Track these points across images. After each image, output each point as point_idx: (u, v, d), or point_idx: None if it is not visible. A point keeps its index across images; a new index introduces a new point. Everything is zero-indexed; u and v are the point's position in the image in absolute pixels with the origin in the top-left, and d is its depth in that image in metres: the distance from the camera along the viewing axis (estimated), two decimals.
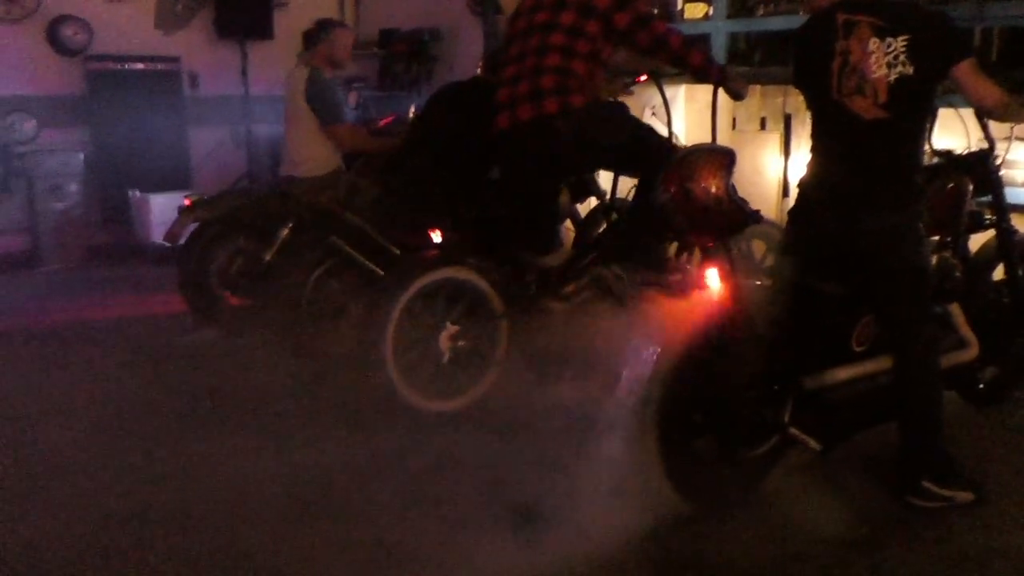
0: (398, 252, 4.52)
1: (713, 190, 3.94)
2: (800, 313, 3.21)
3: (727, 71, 4.18)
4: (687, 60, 4.06)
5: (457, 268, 4.10)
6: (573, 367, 4.10)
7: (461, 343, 4.11)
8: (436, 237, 4.26)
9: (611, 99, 4.41)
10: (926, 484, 3.18)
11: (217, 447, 3.65)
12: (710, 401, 3.15)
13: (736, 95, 4.21)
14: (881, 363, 3.37)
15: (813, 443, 3.22)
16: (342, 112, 5.50)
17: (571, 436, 3.42)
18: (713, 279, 3.14)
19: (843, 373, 3.35)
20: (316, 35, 5.67)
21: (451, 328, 4.09)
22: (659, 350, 3.09)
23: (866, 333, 3.40)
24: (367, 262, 4.55)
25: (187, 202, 5.16)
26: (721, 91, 4.21)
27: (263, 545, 2.95)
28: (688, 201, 3.96)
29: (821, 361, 3.33)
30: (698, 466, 3.15)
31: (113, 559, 2.89)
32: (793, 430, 3.23)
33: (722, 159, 4.07)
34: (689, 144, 4.72)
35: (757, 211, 4.13)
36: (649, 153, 4.06)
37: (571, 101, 3.94)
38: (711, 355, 3.07)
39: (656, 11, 4.77)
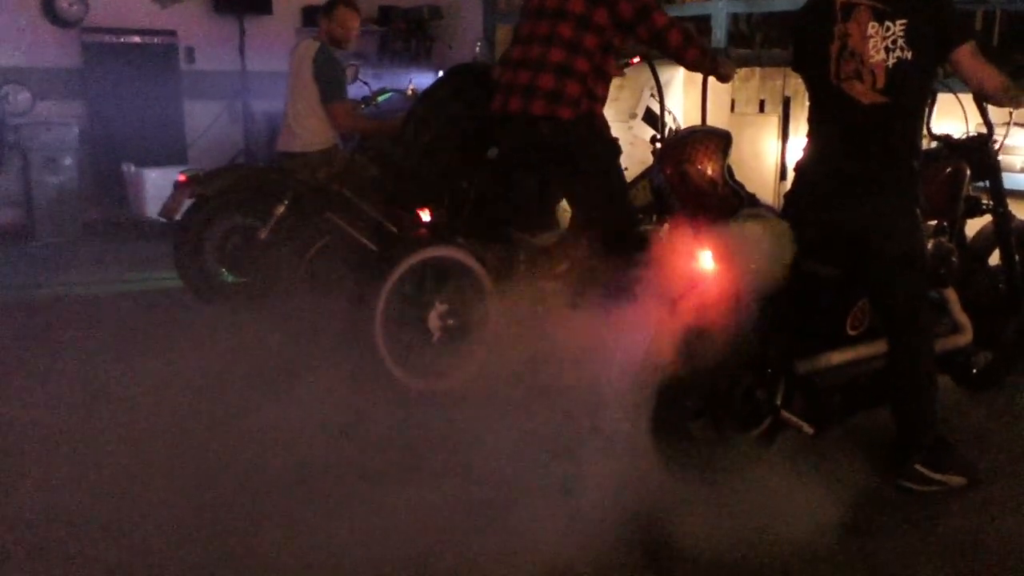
0: (394, 230, 4.50)
1: (708, 172, 3.94)
2: (795, 296, 3.20)
3: (717, 59, 4.14)
4: (684, 56, 4.03)
5: (447, 247, 4.09)
6: (564, 347, 4.11)
7: (451, 321, 4.10)
8: (426, 216, 4.24)
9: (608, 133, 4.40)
10: (919, 468, 3.18)
11: (210, 427, 3.63)
12: (704, 384, 3.14)
13: (724, 78, 4.19)
14: (875, 347, 3.36)
15: (806, 427, 3.21)
16: (343, 91, 5.45)
17: (560, 417, 3.41)
18: (707, 261, 3.13)
19: (836, 357, 3.34)
20: (323, 11, 5.64)
21: (440, 307, 4.08)
22: (652, 333, 3.08)
23: (860, 317, 3.40)
24: (363, 239, 4.53)
25: (182, 178, 5.13)
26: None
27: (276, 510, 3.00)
28: (684, 183, 3.96)
29: (815, 345, 3.32)
30: (692, 447, 3.14)
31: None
32: (785, 413, 3.23)
33: (718, 141, 4.06)
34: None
35: (752, 195, 4.13)
36: (608, 207, 4.05)
37: (559, 112, 3.91)
38: (705, 338, 3.06)
39: None
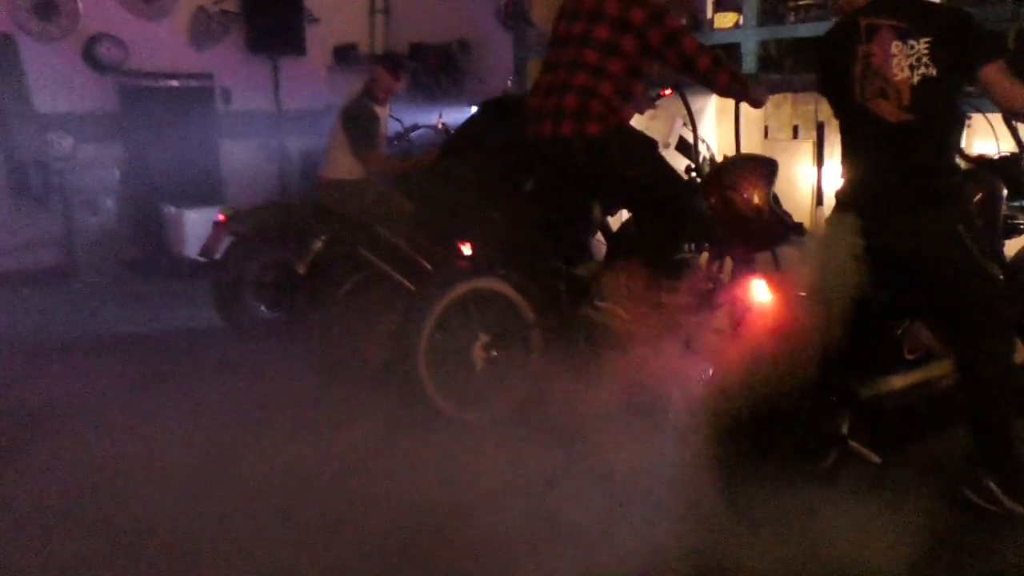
0: (429, 266, 4.51)
1: (754, 200, 3.88)
2: (850, 322, 3.12)
3: (748, 84, 4.13)
4: (715, 81, 4.03)
5: (487, 279, 4.10)
6: (609, 377, 4.09)
7: (494, 352, 4.10)
8: (466, 249, 4.26)
9: (640, 133, 4.40)
10: (990, 484, 3.08)
11: (250, 461, 3.65)
12: (770, 416, 3.05)
13: (756, 103, 4.17)
14: (936, 370, 3.26)
15: (873, 456, 3.12)
16: (373, 141, 5.55)
17: (609, 446, 3.39)
18: (761, 291, 3.07)
19: (898, 382, 3.24)
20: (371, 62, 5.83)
21: (483, 338, 4.09)
22: (712, 367, 3.02)
23: (916, 340, 3.31)
24: (394, 274, 4.55)
25: (222, 217, 5.21)
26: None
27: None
28: (728, 210, 3.91)
29: (874, 370, 3.23)
30: (760, 484, 3.03)
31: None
32: (853, 443, 3.13)
33: (764, 169, 4.01)
34: (721, 155, 4.70)
35: (800, 224, 4.05)
36: (665, 197, 4.04)
37: (587, 129, 3.95)
38: (767, 369, 2.98)
39: (685, 21, 4.75)
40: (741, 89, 4.06)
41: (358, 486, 3.37)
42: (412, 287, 4.25)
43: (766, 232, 3.92)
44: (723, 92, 4.11)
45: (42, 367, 5.05)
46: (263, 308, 5.25)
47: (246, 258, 5.18)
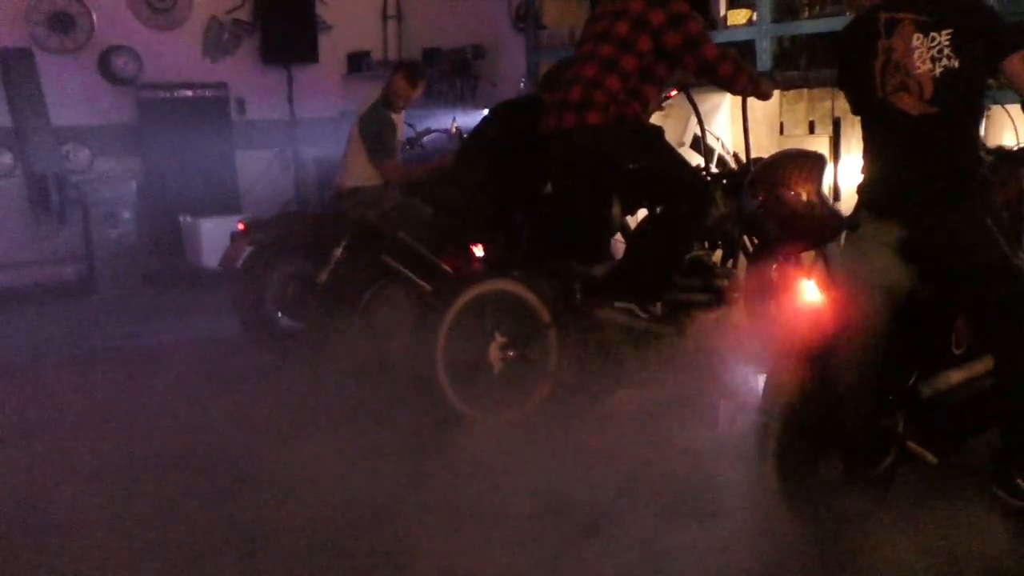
0: (448, 269, 4.53)
1: (805, 196, 3.82)
2: (903, 318, 3.07)
3: (760, 81, 4.18)
4: (734, 86, 4.10)
5: (502, 280, 4.11)
6: (628, 379, 4.08)
7: (511, 354, 4.10)
8: (479, 251, 4.27)
9: (647, 124, 4.38)
10: (1019, 481, 3.03)
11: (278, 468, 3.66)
12: (828, 419, 2.99)
13: (765, 97, 4.25)
14: (982, 366, 3.18)
15: (930, 456, 3.05)
16: (389, 149, 5.59)
17: (647, 450, 3.36)
18: (812, 291, 3.03)
19: (953, 377, 3.16)
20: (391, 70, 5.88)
21: (500, 339, 4.10)
22: (765, 371, 2.96)
23: (962, 335, 3.25)
24: (418, 280, 4.57)
25: (241, 226, 5.22)
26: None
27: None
28: (780, 207, 3.84)
29: (926, 368, 3.15)
30: (820, 489, 3.00)
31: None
32: (910, 443, 3.07)
33: (813, 163, 3.95)
34: (736, 152, 4.68)
35: (852, 218, 3.99)
36: (672, 184, 4.05)
37: (587, 118, 3.98)
38: (821, 370, 2.92)
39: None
40: (755, 88, 4.14)
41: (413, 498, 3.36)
42: (424, 293, 4.27)
43: (820, 228, 3.84)
44: (740, 93, 4.18)
45: (71, 379, 5.07)
46: (285, 318, 5.25)
47: (267, 268, 5.18)
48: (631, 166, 4.05)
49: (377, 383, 4.30)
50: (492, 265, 4.20)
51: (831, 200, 3.92)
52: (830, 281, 2.95)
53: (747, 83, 4.07)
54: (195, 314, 6.56)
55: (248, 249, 5.17)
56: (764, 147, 4.76)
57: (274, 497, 3.38)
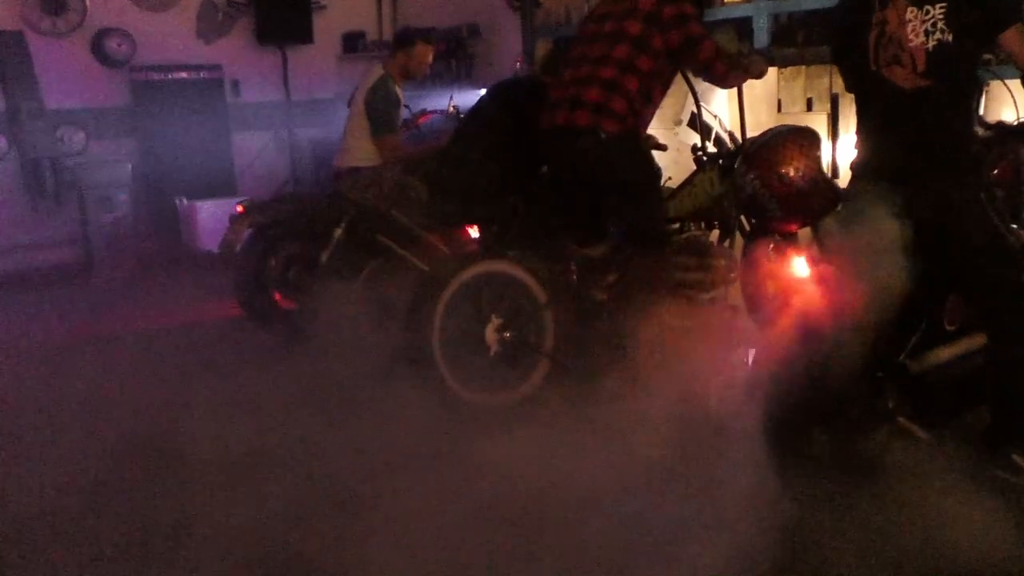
0: (445, 249, 4.52)
1: (804, 172, 3.80)
2: (898, 294, 3.06)
3: (749, 66, 4.19)
4: (727, 82, 4.18)
5: (498, 261, 4.09)
6: (626, 359, 4.07)
7: (507, 335, 4.09)
8: (474, 232, 4.25)
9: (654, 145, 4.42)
10: (1015, 457, 3.03)
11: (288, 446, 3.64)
12: (818, 396, 3.00)
13: (760, 75, 4.25)
14: (975, 341, 3.20)
15: (920, 432, 3.08)
16: (393, 126, 5.56)
17: (642, 431, 3.36)
18: (802, 267, 3.02)
19: (944, 354, 3.19)
20: (398, 43, 5.80)
21: (496, 321, 4.08)
22: (755, 347, 2.97)
23: (955, 311, 3.25)
24: (414, 259, 4.55)
25: (240, 209, 5.19)
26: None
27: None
28: (782, 186, 3.81)
29: (920, 343, 3.16)
30: (810, 463, 3.01)
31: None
32: (901, 419, 3.10)
33: (808, 139, 3.93)
34: (733, 131, 4.65)
35: (847, 191, 4.00)
36: (639, 208, 4.12)
37: (603, 124, 3.98)
38: (810, 346, 2.93)
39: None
40: (745, 76, 4.16)
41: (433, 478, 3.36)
42: (419, 273, 4.25)
43: (821, 202, 3.82)
44: (731, 86, 4.25)
45: (76, 363, 5.05)
46: (285, 299, 5.24)
47: (266, 250, 5.16)
48: (626, 178, 4.10)
49: (373, 364, 4.29)
50: (489, 245, 4.18)
51: (828, 174, 3.91)
52: (823, 257, 2.94)
53: (738, 78, 4.13)
54: (195, 296, 6.52)
55: (247, 232, 5.14)
56: (762, 125, 4.71)
57: (242, 482, 3.38)
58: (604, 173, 4.07)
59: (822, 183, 3.76)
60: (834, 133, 5.60)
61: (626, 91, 3.99)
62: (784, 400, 2.91)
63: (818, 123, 5.63)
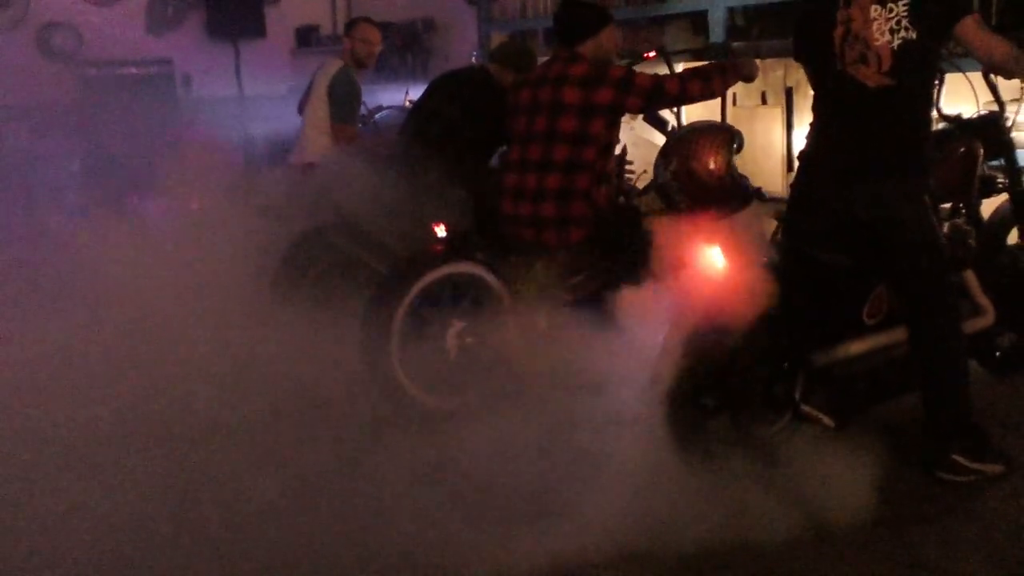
0: (400, 249, 4.38)
1: (713, 167, 3.90)
2: (808, 287, 3.15)
3: (738, 65, 4.08)
4: (713, 93, 4.05)
5: (464, 262, 3.99)
6: (584, 357, 4.03)
7: (468, 340, 3.99)
8: (441, 231, 4.14)
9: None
10: (957, 457, 3.11)
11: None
12: (720, 381, 3.08)
13: (750, 79, 4.14)
14: (895, 335, 3.31)
15: (827, 420, 3.16)
16: (352, 115, 5.50)
17: (582, 426, 3.34)
18: (716, 258, 3.07)
19: (856, 347, 3.28)
20: (345, 32, 5.73)
21: (457, 324, 3.98)
22: (665, 332, 3.04)
23: (878, 305, 3.34)
24: (369, 260, 4.42)
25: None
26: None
27: None
28: (690, 179, 3.92)
29: (831, 336, 3.27)
30: (712, 446, 3.08)
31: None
32: (805, 408, 3.17)
33: (723, 136, 4.02)
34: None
35: (759, 188, 4.08)
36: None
37: (570, 237, 3.94)
38: (718, 334, 3.00)
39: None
40: (735, 77, 4.03)
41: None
42: (384, 272, 4.14)
43: (727, 198, 3.93)
44: (720, 94, 4.15)
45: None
46: None
47: None
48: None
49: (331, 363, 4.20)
50: (453, 245, 4.07)
51: (739, 172, 3.98)
52: (734, 250, 3.01)
53: (722, 82, 4.00)
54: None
55: None
56: (716, 119, 4.74)
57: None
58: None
59: (731, 181, 3.85)
60: (789, 127, 5.62)
61: (579, 192, 3.90)
62: (686, 387, 2.99)
63: (773, 117, 5.66)
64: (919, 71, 3.05)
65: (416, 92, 6.21)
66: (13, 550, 2.85)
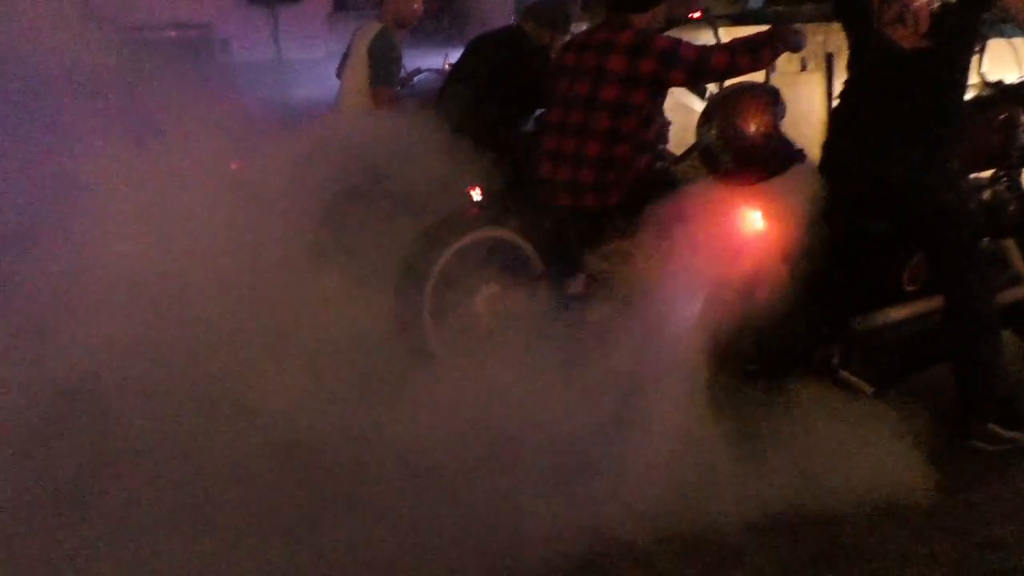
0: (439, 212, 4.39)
1: (760, 128, 3.84)
2: (848, 252, 3.14)
3: (785, 34, 3.95)
4: (762, 64, 3.96)
5: (498, 227, 3.99)
6: (619, 322, 4.03)
7: (500, 305, 4.01)
8: (476, 195, 4.14)
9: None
10: (992, 427, 3.09)
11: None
12: (759, 346, 3.09)
13: (796, 48, 3.99)
14: (934, 302, 3.27)
15: (865, 386, 3.16)
16: (391, 78, 5.46)
17: (618, 392, 3.35)
18: (758, 221, 3.07)
19: (895, 313, 3.27)
20: None
21: (489, 289, 4.01)
22: (704, 297, 3.04)
23: (918, 272, 3.31)
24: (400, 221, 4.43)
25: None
26: None
27: None
28: (736, 139, 3.86)
29: (871, 302, 3.25)
30: (750, 411, 3.08)
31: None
32: (844, 373, 3.17)
33: (767, 97, 3.95)
34: None
35: (801, 150, 4.03)
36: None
37: (609, 200, 3.87)
38: (758, 299, 3.01)
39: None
40: (783, 47, 3.90)
41: None
42: (418, 234, 4.14)
43: (772, 160, 3.88)
44: (766, 66, 4.08)
45: None
46: None
47: None
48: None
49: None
50: (488, 210, 4.07)
51: (782, 132, 3.95)
52: (775, 213, 3.00)
53: (771, 52, 3.87)
54: None
55: None
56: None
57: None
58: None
59: (777, 141, 3.81)
60: (829, 93, 5.56)
61: (619, 161, 3.84)
62: (725, 351, 2.99)
63: (813, 83, 5.60)
64: (957, 36, 3.01)
65: (455, 56, 6.20)
66: None
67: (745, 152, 3.61)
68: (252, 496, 2.98)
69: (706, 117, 4.01)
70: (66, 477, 3.06)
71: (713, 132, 3.90)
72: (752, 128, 3.51)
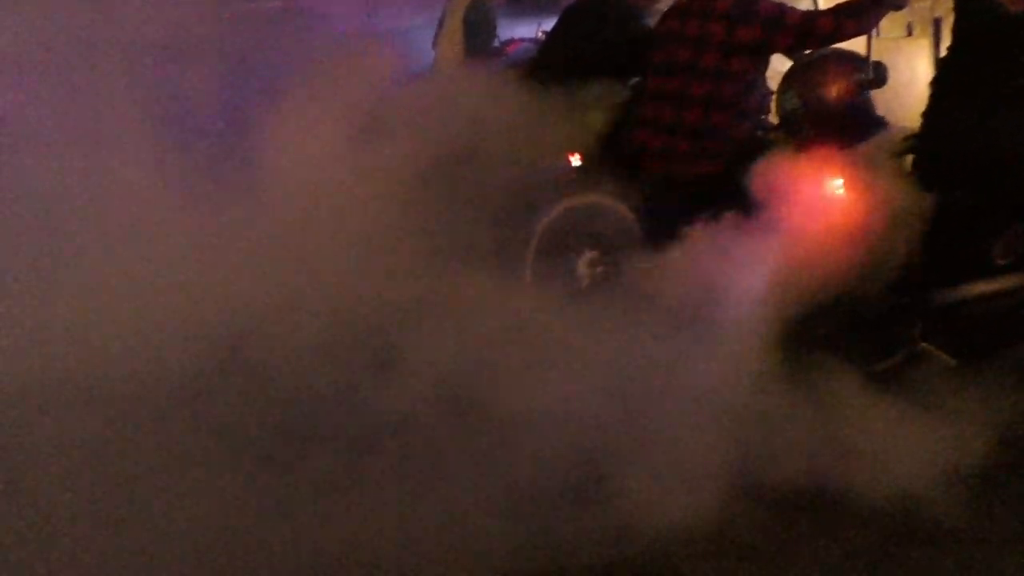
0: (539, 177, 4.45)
1: (839, 94, 3.80)
2: (934, 222, 3.06)
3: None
4: (865, 32, 3.91)
5: (598, 192, 4.03)
6: (710, 289, 4.02)
7: (600, 269, 4.05)
8: (575, 160, 4.18)
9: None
10: None
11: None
12: (837, 314, 3.04)
13: (900, 7, 3.95)
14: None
15: (946, 358, 3.10)
16: (486, 46, 5.51)
17: (697, 357, 3.36)
18: (839, 190, 3.03)
19: (983, 287, 3.18)
20: None
21: (590, 253, 4.04)
22: (783, 262, 3.02)
23: (1011, 245, 3.21)
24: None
25: None
26: None
27: None
28: (816, 106, 3.82)
29: (957, 274, 3.17)
30: (821, 378, 3.07)
31: None
32: (925, 345, 3.11)
33: (849, 64, 3.90)
34: None
35: (883, 118, 3.95)
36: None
37: (702, 169, 3.90)
38: (838, 267, 2.96)
39: None
40: (887, 8, 3.85)
41: None
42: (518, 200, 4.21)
43: (854, 127, 3.82)
44: (870, 30, 3.99)
45: None
46: None
47: None
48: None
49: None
50: (588, 175, 4.11)
51: (869, 101, 3.85)
52: (857, 181, 2.95)
53: (874, 20, 3.83)
54: None
55: None
56: (858, 50, 4.59)
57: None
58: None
59: (858, 108, 3.73)
60: (936, 59, 5.40)
61: (716, 130, 3.88)
62: (801, 316, 2.98)
63: (919, 48, 5.45)
64: None
65: (548, 25, 6.19)
66: None
67: (824, 119, 3.58)
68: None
69: (787, 84, 3.97)
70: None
71: (794, 98, 3.86)
72: (832, 95, 3.45)
